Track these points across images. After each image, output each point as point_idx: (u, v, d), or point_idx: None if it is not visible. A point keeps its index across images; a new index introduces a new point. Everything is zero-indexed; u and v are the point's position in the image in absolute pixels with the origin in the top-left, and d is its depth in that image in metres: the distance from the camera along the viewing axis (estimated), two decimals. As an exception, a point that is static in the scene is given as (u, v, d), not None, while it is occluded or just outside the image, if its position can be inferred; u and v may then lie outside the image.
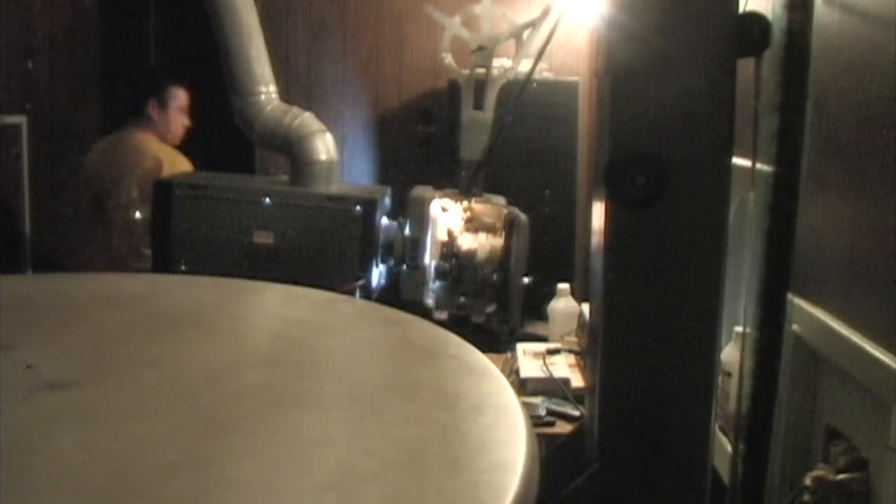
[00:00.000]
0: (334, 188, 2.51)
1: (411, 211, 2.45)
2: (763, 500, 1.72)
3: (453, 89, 3.23)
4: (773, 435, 1.70)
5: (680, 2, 1.50)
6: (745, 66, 1.55)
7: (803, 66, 1.64)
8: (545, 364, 2.41)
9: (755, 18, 1.52)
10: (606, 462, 1.59)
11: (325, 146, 2.52)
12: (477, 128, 2.57)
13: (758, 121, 1.63)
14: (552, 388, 2.31)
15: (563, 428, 2.16)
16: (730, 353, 1.86)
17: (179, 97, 3.33)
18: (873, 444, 1.36)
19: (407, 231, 2.44)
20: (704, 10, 1.50)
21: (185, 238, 2.42)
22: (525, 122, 3.18)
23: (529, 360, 2.46)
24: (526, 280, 2.43)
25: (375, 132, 4.09)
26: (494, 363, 1.25)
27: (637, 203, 1.51)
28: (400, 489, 0.85)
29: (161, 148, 3.23)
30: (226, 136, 3.23)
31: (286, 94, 2.66)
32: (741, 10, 1.54)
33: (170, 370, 1.14)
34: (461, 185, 2.55)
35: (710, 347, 1.58)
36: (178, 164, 3.17)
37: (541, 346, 2.56)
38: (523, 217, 2.42)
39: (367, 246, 2.38)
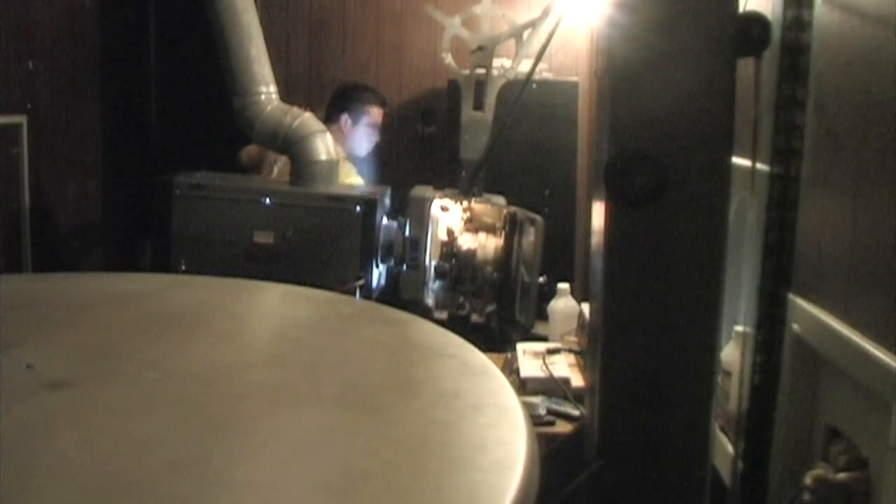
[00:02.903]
0: (334, 188, 2.52)
1: (411, 211, 2.45)
2: (763, 499, 1.72)
3: (453, 89, 3.23)
4: (773, 435, 1.70)
5: (680, 2, 1.50)
6: (745, 66, 1.55)
7: (803, 66, 1.64)
8: (545, 364, 2.41)
9: (755, 18, 1.52)
10: (606, 462, 1.59)
11: (325, 146, 2.52)
12: (477, 128, 2.57)
13: (758, 121, 1.63)
14: (552, 387, 2.31)
15: (563, 428, 2.15)
16: (730, 353, 1.86)
17: (374, 115, 3.34)
18: (873, 444, 1.36)
19: (407, 231, 2.44)
20: (704, 10, 1.50)
21: (185, 238, 2.43)
22: (525, 122, 3.18)
23: (529, 359, 2.46)
24: (541, 279, 2.44)
25: (375, 132, 4.08)
26: (494, 363, 1.25)
27: (637, 203, 1.51)
28: (400, 489, 0.85)
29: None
30: (226, 136, 3.23)
31: (286, 94, 2.66)
32: (741, 10, 1.54)
33: (170, 370, 1.14)
34: (461, 185, 2.55)
35: (710, 347, 1.58)
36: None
37: (541, 346, 2.56)
38: (539, 218, 2.42)
39: (367, 246, 2.38)
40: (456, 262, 2.49)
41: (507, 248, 2.46)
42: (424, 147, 3.93)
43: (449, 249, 2.51)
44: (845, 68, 1.53)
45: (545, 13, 2.53)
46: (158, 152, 4.10)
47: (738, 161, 1.60)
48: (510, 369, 2.44)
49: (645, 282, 1.55)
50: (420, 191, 2.51)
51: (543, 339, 2.69)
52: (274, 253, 2.39)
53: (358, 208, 2.37)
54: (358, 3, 4.01)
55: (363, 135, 3.34)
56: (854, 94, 1.50)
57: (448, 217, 2.53)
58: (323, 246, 2.38)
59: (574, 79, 3.65)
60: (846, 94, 1.53)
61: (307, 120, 2.53)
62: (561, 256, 3.38)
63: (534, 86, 3.02)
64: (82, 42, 3.57)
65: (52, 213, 3.40)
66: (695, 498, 1.60)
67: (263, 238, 2.40)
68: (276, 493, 0.83)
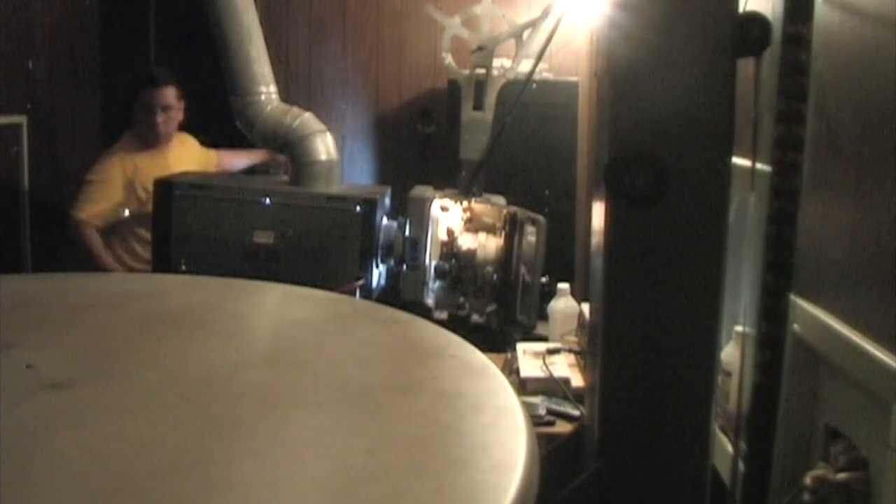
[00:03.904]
0: (334, 188, 2.51)
1: (411, 211, 2.45)
2: (763, 499, 1.72)
3: (453, 89, 3.23)
4: (773, 435, 1.70)
5: (680, 2, 1.50)
6: (745, 66, 1.55)
7: (803, 67, 1.64)
8: (545, 364, 2.41)
9: (755, 18, 1.52)
10: (606, 462, 1.59)
11: (325, 146, 2.52)
12: (477, 128, 2.57)
13: (758, 121, 1.63)
14: (552, 387, 2.31)
15: (563, 428, 2.15)
16: (730, 353, 1.86)
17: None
18: (873, 444, 1.36)
19: (407, 231, 2.44)
20: (704, 10, 1.50)
21: (185, 238, 2.42)
22: (525, 122, 3.18)
23: (529, 359, 2.46)
24: (544, 279, 2.44)
25: (375, 132, 4.09)
26: (494, 363, 1.25)
27: (637, 203, 1.51)
28: (400, 489, 0.85)
29: (128, 162, 3.10)
30: (226, 135, 3.23)
31: (286, 94, 2.66)
32: (741, 10, 1.54)
33: (170, 370, 1.14)
34: (461, 185, 2.55)
35: (710, 347, 1.58)
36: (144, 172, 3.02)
37: (541, 346, 2.56)
38: (541, 217, 2.42)
39: (367, 246, 2.38)
40: (456, 262, 2.49)
41: (507, 248, 2.46)
42: (424, 147, 3.93)
43: (449, 249, 2.50)
44: (846, 69, 1.53)
45: (545, 13, 2.53)
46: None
47: (738, 161, 1.60)
48: (510, 369, 2.44)
49: (645, 282, 1.55)
50: (420, 191, 2.51)
51: (543, 339, 2.69)
52: (274, 253, 2.39)
53: (358, 208, 2.37)
54: (358, 2, 4.01)
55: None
56: (854, 94, 1.50)
57: (448, 217, 2.53)
58: (323, 246, 2.38)
59: (574, 79, 3.65)
60: (846, 94, 1.53)
61: (307, 120, 2.53)
62: (561, 256, 3.39)
63: (534, 86, 3.01)
64: (82, 41, 3.58)
65: (52, 213, 3.40)
66: (695, 498, 1.60)
67: (263, 238, 2.40)
68: (276, 493, 0.83)
